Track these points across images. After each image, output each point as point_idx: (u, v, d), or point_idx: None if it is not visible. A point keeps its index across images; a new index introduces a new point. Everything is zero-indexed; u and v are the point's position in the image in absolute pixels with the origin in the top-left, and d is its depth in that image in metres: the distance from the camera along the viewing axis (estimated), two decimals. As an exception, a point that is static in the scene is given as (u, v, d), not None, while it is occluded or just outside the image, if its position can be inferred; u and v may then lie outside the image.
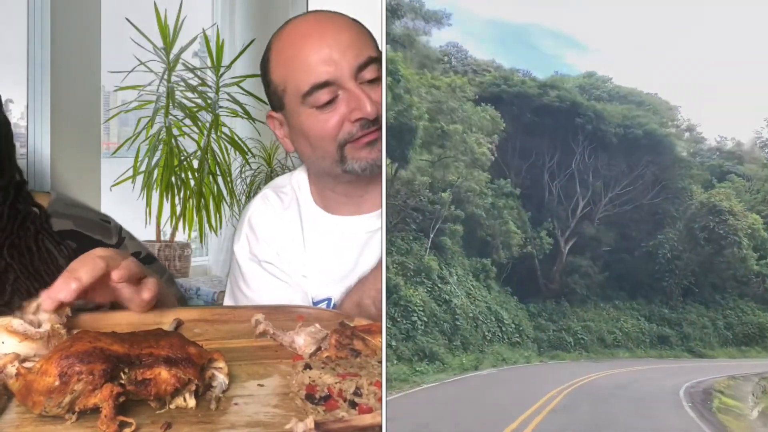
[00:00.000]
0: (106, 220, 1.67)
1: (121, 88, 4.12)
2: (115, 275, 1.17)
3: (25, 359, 0.95)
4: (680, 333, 2.29)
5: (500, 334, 2.18)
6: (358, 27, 1.56)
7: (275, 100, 1.60)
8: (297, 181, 1.70)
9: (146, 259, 1.65)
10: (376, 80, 1.51)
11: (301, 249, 1.64)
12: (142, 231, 4.03)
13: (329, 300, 1.61)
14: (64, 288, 1.10)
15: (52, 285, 1.13)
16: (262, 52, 1.62)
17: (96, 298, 1.24)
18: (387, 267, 1.74)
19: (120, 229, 1.68)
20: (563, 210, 2.29)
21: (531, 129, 2.34)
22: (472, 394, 1.92)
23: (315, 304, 1.61)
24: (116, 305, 1.29)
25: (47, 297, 1.10)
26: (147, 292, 1.23)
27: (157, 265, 1.69)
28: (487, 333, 2.14)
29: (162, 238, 4.24)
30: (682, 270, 2.28)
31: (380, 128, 1.50)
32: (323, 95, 1.50)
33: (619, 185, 2.29)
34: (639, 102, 2.36)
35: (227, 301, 1.71)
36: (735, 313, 2.29)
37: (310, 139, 1.55)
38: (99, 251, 1.21)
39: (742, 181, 2.30)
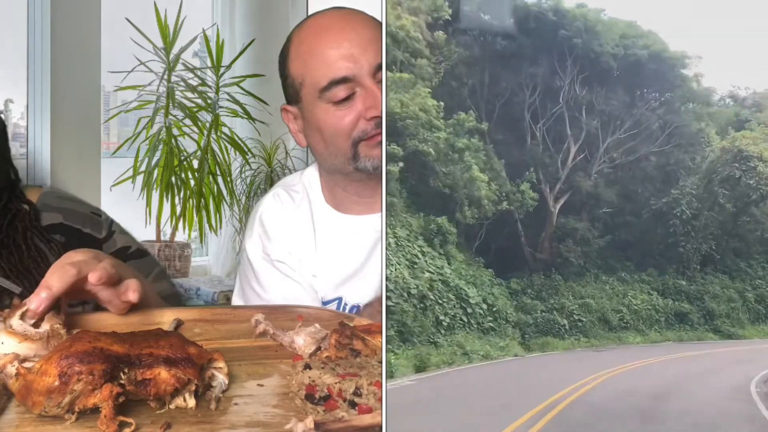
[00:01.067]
0: (96, 213, 1.67)
1: (121, 88, 4.12)
2: (92, 278, 1.14)
3: (24, 359, 0.95)
4: (702, 309, 1.87)
5: (464, 319, 1.68)
6: (379, 25, 1.55)
7: (291, 93, 1.59)
8: (308, 180, 1.69)
9: (137, 253, 1.65)
10: (380, 81, 1.51)
11: (313, 248, 1.63)
12: (142, 231, 4.03)
13: (339, 299, 1.60)
14: (35, 298, 1.08)
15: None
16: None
17: (76, 299, 1.23)
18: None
19: (111, 222, 1.67)
20: (550, 158, 1.82)
21: (504, 52, 1.83)
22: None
23: (325, 304, 1.60)
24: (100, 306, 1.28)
25: (32, 300, 1.08)
26: (132, 293, 1.19)
27: (149, 259, 1.68)
28: (443, 317, 1.64)
29: (162, 238, 4.24)
30: (700, 232, 1.85)
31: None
32: (341, 91, 1.50)
33: (620, 127, 1.83)
34: (641, 35, 1.89)
35: (236, 300, 1.70)
36: (766, 283, 1.91)
37: (324, 135, 1.54)
38: (71, 256, 1.18)
39: (765, 129, 1.90)
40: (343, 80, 1.49)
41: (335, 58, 1.50)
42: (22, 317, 1.06)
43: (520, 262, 1.84)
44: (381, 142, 1.51)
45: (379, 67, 1.49)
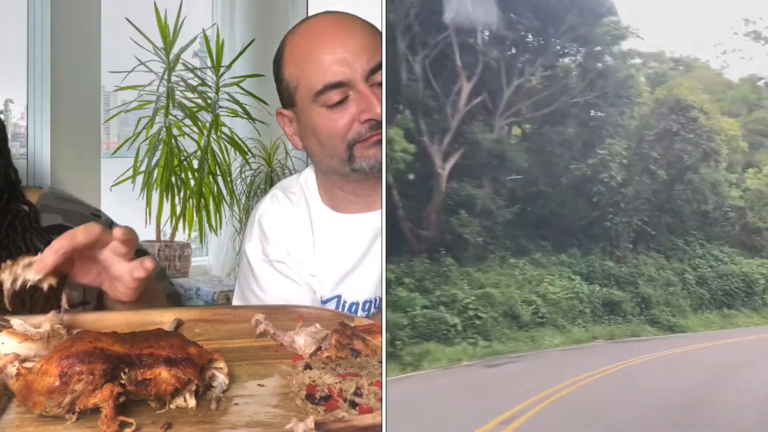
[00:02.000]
0: (96, 214, 1.67)
1: (121, 88, 4.12)
2: (118, 232, 1.18)
3: (25, 359, 0.95)
4: (636, 296, 1.53)
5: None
6: (372, 29, 1.57)
7: (286, 97, 1.61)
8: (305, 181, 1.71)
9: (137, 253, 1.65)
10: (379, 84, 1.52)
11: (311, 248, 1.65)
12: (142, 231, 4.03)
13: (338, 297, 1.62)
14: (59, 242, 1.13)
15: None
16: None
17: (84, 277, 1.25)
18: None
19: (111, 223, 1.68)
20: (434, 100, 1.35)
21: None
22: None
23: (324, 303, 1.61)
24: (101, 304, 1.28)
25: (46, 251, 1.13)
26: (149, 262, 1.22)
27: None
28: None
29: (162, 238, 4.24)
30: (630, 203, 1.51)
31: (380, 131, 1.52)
32: (335, 95, 1.52)
33: (529, 69, 1.38)
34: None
35: (236, 303, 1.71)
36: (707, 263, 1.59)
37: (319, 138, 1.56)
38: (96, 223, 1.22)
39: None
40: (338, 85, 1.51)
41: (330, 63, 1.52)
42: (29, 266, 1.07)
43: (396, 241, 1.35)
44: (376, 142, 1.53)
45: (372, 71, 1.51)
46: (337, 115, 1.53)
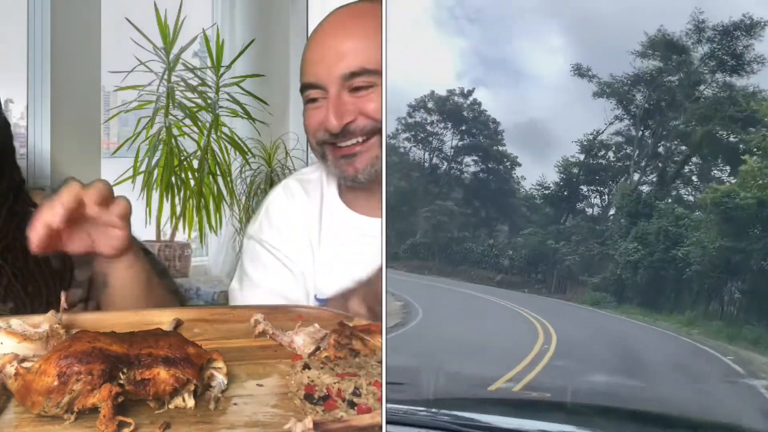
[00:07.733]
0: None
1: (121, 88, 4.12)
2: (97, 187, 1.22)
3: (24, 359, 0.94)
4: None
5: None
6: (369, 34, 1.51)
7: None
8: (326, 173, 1.68)
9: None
10: (366, 88, 1.49)
11: (316, 242, 1.62)
12: (142, 231, 4.03)
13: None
14: (49, 211, 1.16)
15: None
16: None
17: (78, 244, 1.27)
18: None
19: None
20: None
21: None
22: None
23: (319, 301, 1.59)
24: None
25: (36, 223, 1.16)
26: (120, 199, 1.28)
27: (150, 258, 1.68)
28: None
29: (162, 238, 4.24)
30: None
31: (357, 144, 1.51)
32: (311, 93, 1.53)
33: None
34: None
35: (234, 284, 1.71)
36: None
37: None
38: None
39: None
40: (312, 86, 1.52)
41: (309, 63, 1.54)
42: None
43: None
44: (342, 156, 1.51)
45: (351, 76, 1.48)
46: (310, 112, 1.54)
